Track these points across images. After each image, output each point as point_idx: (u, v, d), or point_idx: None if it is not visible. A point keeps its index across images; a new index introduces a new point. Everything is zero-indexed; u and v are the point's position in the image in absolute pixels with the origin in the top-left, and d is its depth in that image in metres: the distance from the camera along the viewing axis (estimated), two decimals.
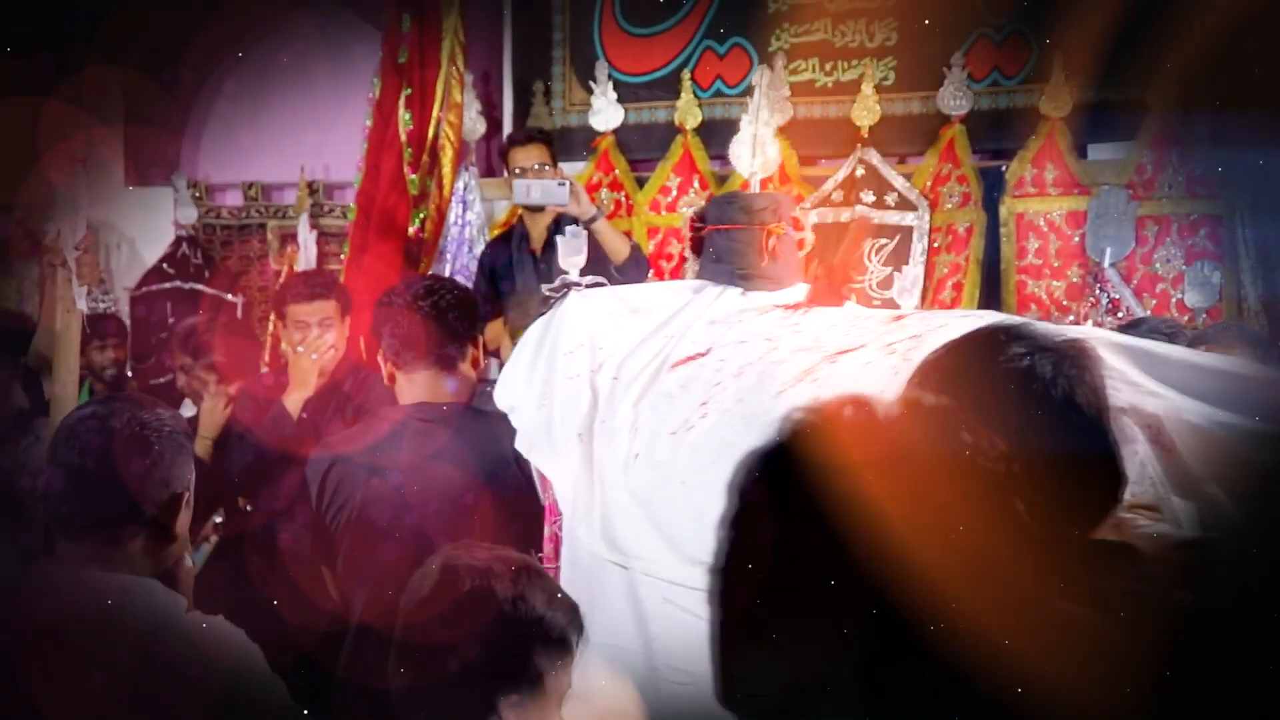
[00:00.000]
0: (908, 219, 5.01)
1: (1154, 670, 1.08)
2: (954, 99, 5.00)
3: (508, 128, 5.68)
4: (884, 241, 5.02)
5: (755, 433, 1.82)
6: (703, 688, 1.34)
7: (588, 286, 2.95)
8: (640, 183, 5.48)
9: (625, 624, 2.37)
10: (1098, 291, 4.67)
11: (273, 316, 4.10)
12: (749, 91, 5.29)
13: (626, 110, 5.49)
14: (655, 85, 5.53)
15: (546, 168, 4.82)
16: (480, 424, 2.89)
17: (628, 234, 5.03)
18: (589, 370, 2.71)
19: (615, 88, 5.48)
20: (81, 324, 2.80)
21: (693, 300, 2.81)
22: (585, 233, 3.19)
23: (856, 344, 2.39)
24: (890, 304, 4.91)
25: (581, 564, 2.54)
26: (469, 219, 5.48)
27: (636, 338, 2.73)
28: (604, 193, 5.46)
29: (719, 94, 5.44)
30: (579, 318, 2.80)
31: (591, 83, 5.50)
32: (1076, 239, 4.85)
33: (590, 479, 2.59)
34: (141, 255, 6.18)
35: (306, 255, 5.62)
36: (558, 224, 4.66)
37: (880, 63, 5.17)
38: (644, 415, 2.55)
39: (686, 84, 5.40)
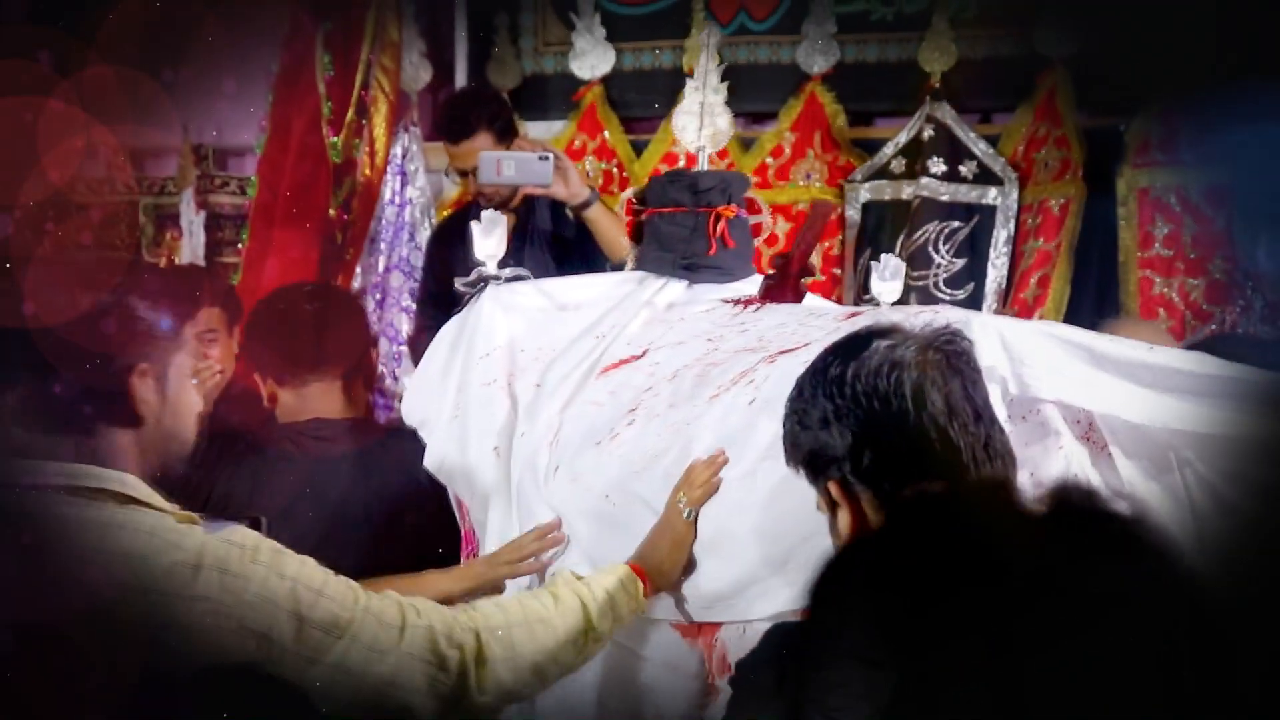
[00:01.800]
0: (989, 196, 5.05)
1: None
2: (1055, 36, 5.02)
3: (461, 75, 5.67)
4: (956, 225, 5.07)
5: (681, 442, 2.45)
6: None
7: (507, 280, 3.17)
8: (638, 149, 5.50)
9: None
10: (1249, 293, 4.68)
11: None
12: (782, 27, 5.31)
13: (620, 52, 5.53)
14: (658, 19, 5.56)
15: (507, 146, 4.65)
16: (386, 441, 3.21)
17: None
18: (506, 375, 2.97)
19: (605, 22, 5.51)
20: None
21: (630, 295, 3.08)
22: (503, 217, 3.25)
23: (799, 343, 2.64)
24: (965, 306, 4.92)
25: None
26: (409, 196, 5.50)
27: (563, 339, 2.99)
28: (589, 161, 5.49)
29: (743, 30, 5.47)
30: (497, 317, 3.04)
31: (573, 15, 5.53)
32: (1221, 223, 4.86)
33: (508, 498, 2.85)
34: None
35: (192, 244, 5.62)
36: (531, 211, 4.63)
37: None
38: (568, 424, 2.80)
39: (699, 17, 5.43)
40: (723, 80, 3.84)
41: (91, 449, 2.00)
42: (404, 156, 5.48)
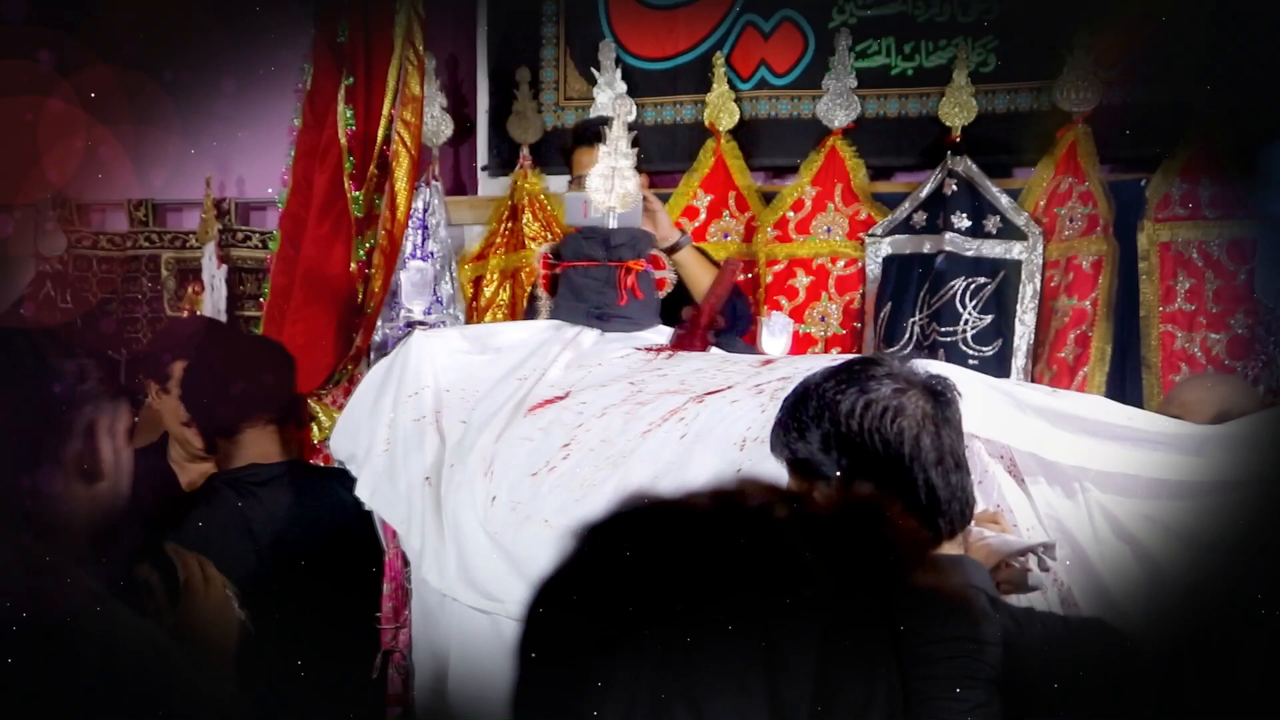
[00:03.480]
0: (1014, 250, 5.12)
1: None
2: (1076, 91, 5.11)
3: (483, 130, 5.80)
4: (982, 281, 5.14)
5: (619, 472, 2.82)
6: None
7: (433, 325, 3.52)
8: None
9: (496, 670, 2.74)
10: (1271, 347, 4.74)
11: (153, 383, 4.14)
12: (803, 82, 5.41)
13: (640, 106, 5.63)
14: (679, 73, 5.67)
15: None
16: (319, 480, 3.51)
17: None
18: (434, 413, 3.27)
19: (626, 76, 5.62)
20: None
21: (549, 340, 3.40)
22: (430, 269, 3.47)
23: (723, 385, 2.99)
24: (993, 363, 5.00)
25: (432, 610, 3.11)
26: (431, 250, 5.56)
27: (487, 380, 3.30)
28: None
29: (763, 84, 5.58)
30: (423, 359, 3.33)
31: (594, 70, 5.64)
32: (1243, 277, 4.94)
33: (440, 524, 3.12)
34: None
35: (214, 298, 5.72)
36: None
37: (977, 43, 5.32)
38: (501, 458, 3.09)
39: (720, 72, 5.54)
40: (632, 145, 4.02)
41: None
42: (425, 211, 5.56)
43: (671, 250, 4.42)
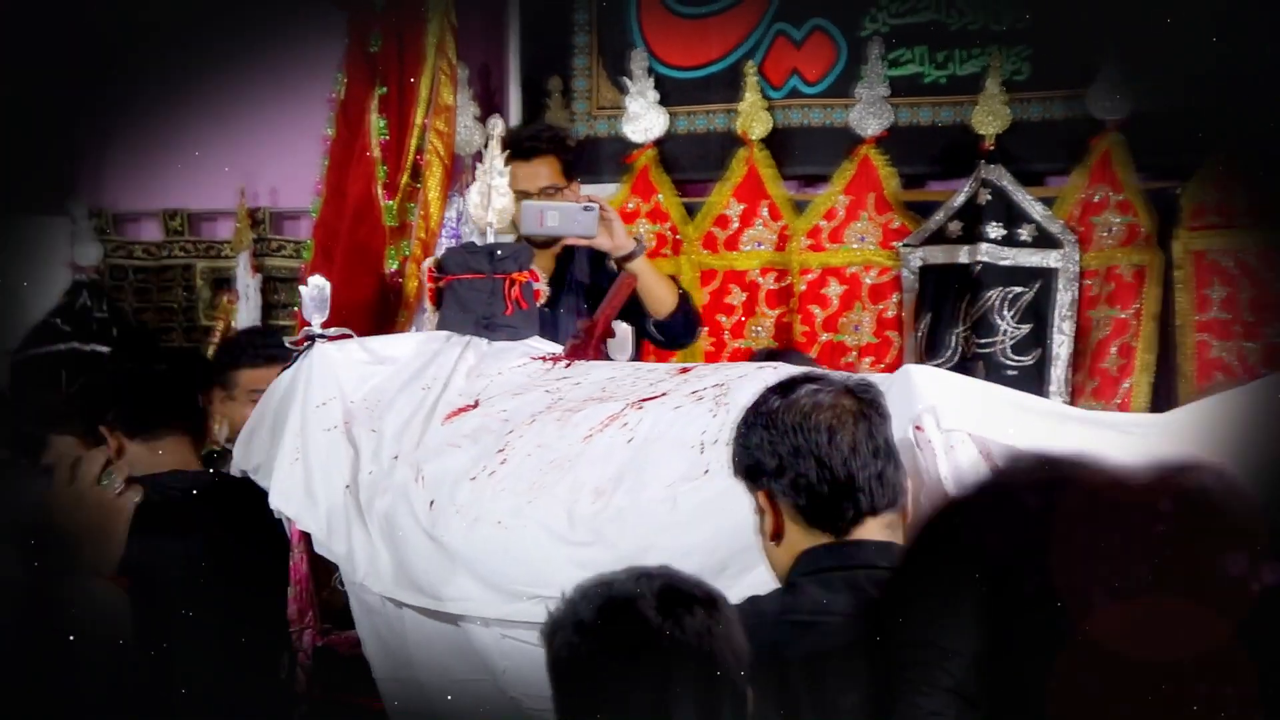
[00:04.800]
0: (1050, 259, 5.18)
1: None
2: (1109, 99, 5.16)
3: None
4: (1019, 290, 5.19)
5: (568, 475, 3.07)
6: None
7: (332, 339, 3.61)
8: (690, 211, 5.67)
9: (457, 663, 3.13)
10: None
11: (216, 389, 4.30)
12: (835, 90, 5.47)
13: (673, 115, 5.69)
14: (711, 82, 5.73)
15: (559, 191, 4.91)
16: (235, 487, 3.62)
17: (674, 279, 5.17)
18: (344, 422, 3.44)
19: (658, 85, 5.67)
20: None
21: (442, 350, 3.58)
22: (328, 285, 3.65)
23: (656, 393, 3.23)
24: (1032, 373, 5.05)
25: (376, 609, 3.28)
26: None
27: (389, 389, 3.49)
28: (642, 224, 5.65)
29: (795, 93, 5.64)
30: (327, 370, 3.50)
31: (626, 79, 5.69)
32: (1278, 286, 4.98)
33: (367, 530, 3.30)
34: (25, 306, 6.33)
35: (248, 306, 5.78)
36: (571, 260, 4.81)
37: (1010, 51, 5.36)
38: (429, 464, 3.28)
39: (752, 80, 5.59)
40: (507, 165, 4.17)
41: None
42: (458, 220, 5.60)
43: (627, 259, 4.49)
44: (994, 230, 5.19)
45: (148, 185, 6.38)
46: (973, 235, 5.23)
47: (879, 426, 2.45)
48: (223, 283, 6.11)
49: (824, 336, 5.42)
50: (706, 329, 5.47)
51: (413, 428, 3.39)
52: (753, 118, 5.54)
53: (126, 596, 2.47)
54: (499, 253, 3.73)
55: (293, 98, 5.92)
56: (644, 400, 3.21)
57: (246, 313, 5.77)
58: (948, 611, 1.98)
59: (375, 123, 5.18)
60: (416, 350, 3.60)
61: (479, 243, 3.85)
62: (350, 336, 3.65)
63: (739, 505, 2.62)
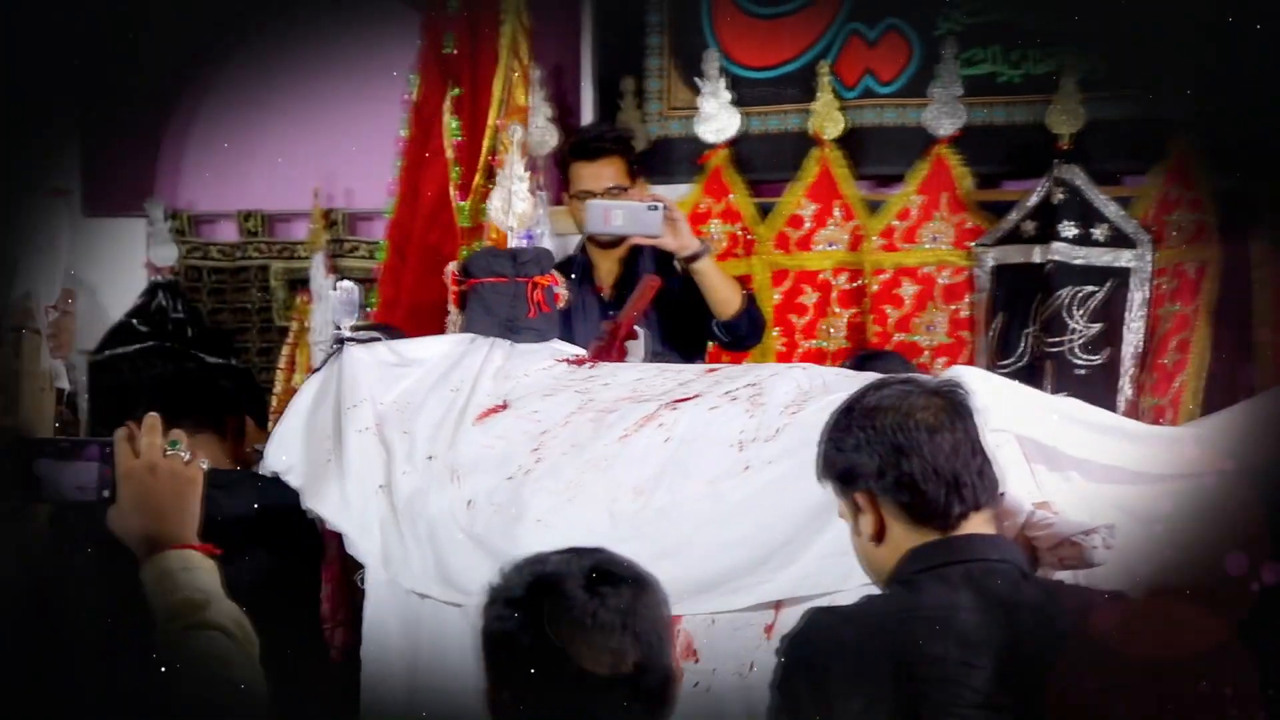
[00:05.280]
0: (1123, 259, 5.17)
1: None
2: (1187, 98, 5.11)
3: None
4: (1091, 289, 5.18)
5: (606, 475, 3.21)
6: None
7: (363, 341, 3.72)
8: (763, 211, 5.68)
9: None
10: None
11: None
12: (909, 90, 5.48)
13: (746, 116, 5.71)
14: (784, 82, 5.75)
15: (624, 191, 4.96)
16: (268, 486, 3.67)
17: (744, 280, 5.20)
18: (375, 424, 3.54)
19: (731, 86, 5.68)
20: (58, 410, 3.05)
21: (468, 352, 3.69)
22: (357, 289, 3.72)
23: (690, 394, 3.36)
24: (1102, 373, 5.04)
25: (397, 609, 3.38)
26: None
27: (419, 391, 3.60)
28: (714, 224, 5.68)
29: (869, 93, 5.65)
30: (358, 372, 3.61)
31: (699, 80, 5.71)
32: None
33: (399, 529, 3.41)
34: (104, 307, 6.41)
35: (323, 307, 5.82)
36: (637, 260, 4.84)
37: (1086, 51, 5.33)
38: (463, 464, 3.40)
39: (826, 80, 5.60)
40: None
41: None
42: (532, 221, 5.67)
43: (693, 259, 4.51)
44: (1068, 229, 5.17)
45: (224, 187, 6.46)
46: (1046, 234, 5.21)
47: (972, 424, 2.52)
48: (298, 283, 6.18)
49: (897, 337, 5.42)
50: (779, 329, 5.50)
51: (445, 429, 3.49)
52: (826, 118, 5.55)
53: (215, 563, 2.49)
54: (522, 257, 3.85)
55: (368, 99, 5.97)
56: (678, 401, 3.34)
57: (321, 313, 5.81)
58: None
59: (449, 124, 5.22)
60: (444, 353, 3.70)
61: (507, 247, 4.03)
62: (379, 339, 3.75)
63: (780, 501, 2.80)
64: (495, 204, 4.05)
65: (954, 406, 2.52)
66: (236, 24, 6.32)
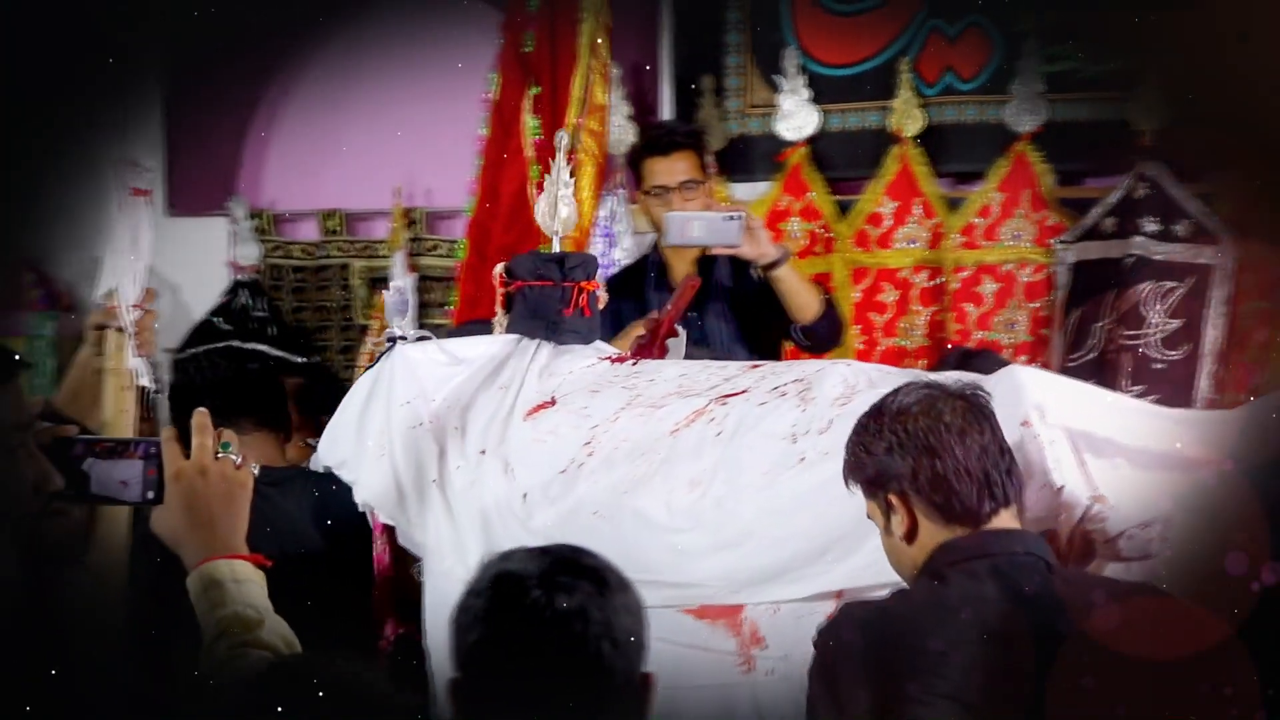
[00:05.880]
0: (1205, 255, 5.15)
1: None
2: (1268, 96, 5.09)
3: None
4: (1172, 285, 5.17)
5: (660, 468, 3.30)
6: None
7: (414, 340, 3.80)
8: (843, 209, 5.72)
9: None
10: None
11: None
12: (990, 87, 5.48)
13: (825, 113, 5.74)
14: (864, 80, 5.77)
15: (698, 185, 4.97)
16: (321, 482, 3.75)
17: (824, 279, 5.21)
18: (429, 420, 3.60)
19: (811, 84, 5.73)
20: (140, 408, 3.10)
21: (514, 353, 3.76)
22: (409, 289, 3.80)
23: (737, 389, 3.45)
24: (1182, 368, 5.03)
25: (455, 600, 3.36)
26: (616, 258, 5.71)
27: (468, 389, 3.67)
28: (794, 222, 5.72)
29: (950, 90, 5.67)
30: (410, 370, 3.68)
31: (779, 77, 5.75)
32: None
33: (453, 521, 3.51)
34: (187, 306, 6.50)
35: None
36: (713, 260, 4.85)
37: (1167, 48, 5.30)
38: (515, 460, 3.49)
39: (906, 77, 5.63)
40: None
41: None
42: (611, 219, 5.72)
43: (772, 266, 4.52)
44: (1149, 225, 5.17)
45: (306, 186, 6.53)
46: (1127, 230, 5.21)
47: (996, 425, 2.66)
48: (379, 282, 6.23)
49: (977, 334, 5.44)
50: (859, 327, 5.52)
51: (495, 425, 3.58)
52: (906, 115, 5.57)
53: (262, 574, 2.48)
54: (569, 262, 3.90)
55: (447, 98, 6.02)
56: (727, 396, 3.43)
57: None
58: None
59: (529, 122, 5.25)
60: (492, 353, 3.76)
61: (551, 250, 4.01)
62: (430, 338, 3.84)
63: (838, 494, 2.82)
64: (541, 209, 4.12)
65: (979, 409, 2.65)
66: (317, 23, 6.38)
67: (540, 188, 5.15)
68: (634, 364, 3.75)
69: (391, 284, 3.95)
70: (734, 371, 3.61)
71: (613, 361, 3.77)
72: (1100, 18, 5.37)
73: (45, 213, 6.82)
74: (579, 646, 2.09)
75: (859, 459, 2.69)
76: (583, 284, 3.86)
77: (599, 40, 5.27)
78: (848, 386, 3.33)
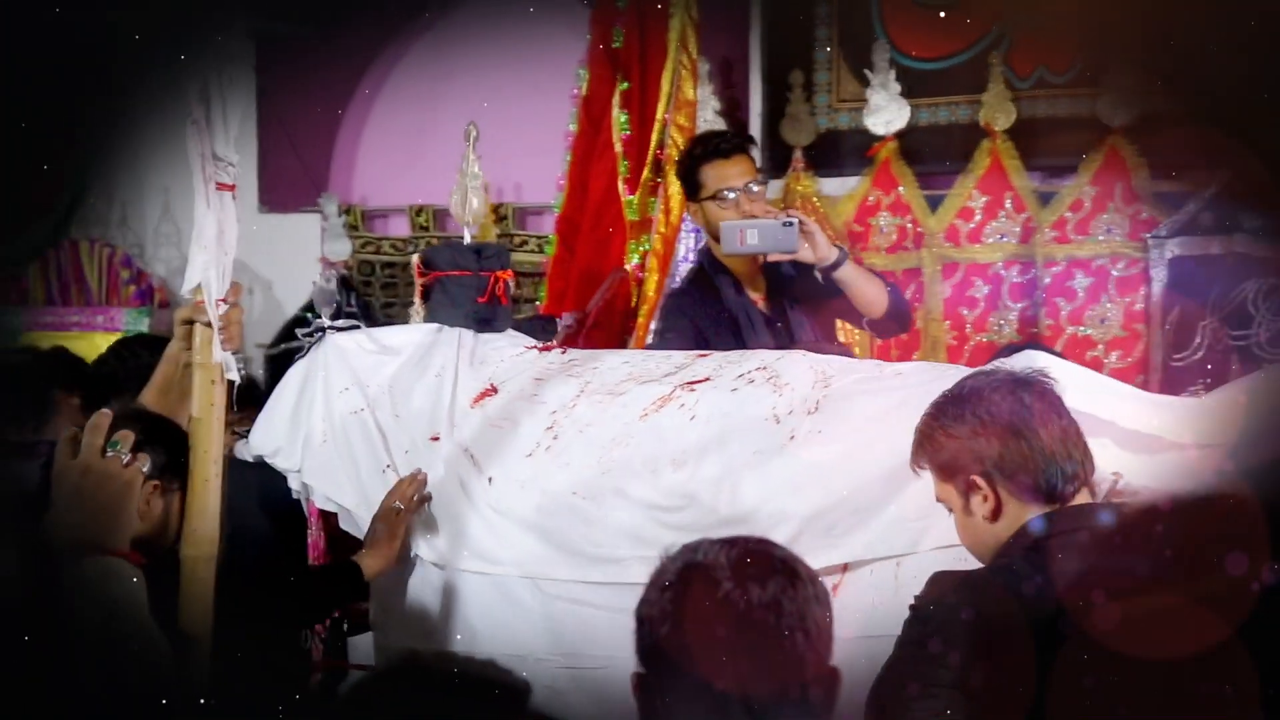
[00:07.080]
0: None
1: None
2: None
3: (756, 133, 5.88)
4: (1275, 282, 5.15)
5: (635, 450, 3.38)
6: (619, 668, 2.17)
7: (342, 330, 3.85)
8: (933, 203, 5.72)
9: (520, 626, 3.42)
10: None
11: None
12: (1082, 80, 5.47)
13: (915, 108, 5.75)
14: (953, 74, 5.78)
15: (761, 186, 4.86)
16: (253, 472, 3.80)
17: (913, 275, 5.22)
18: (369, 406, 3.66)
19: (900, 78, 5.74)
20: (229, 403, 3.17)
21: (439, 341, 3.82)
22: (335, 281, 3.83)
23: (699, 376, 3.55)
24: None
25: (417, 582, 3.55)
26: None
27: (403, 377, 3.72)
28: (883, 217, 5.73)
29: (1043, 83, 5.66)
30: (343, 358, 3.73)
31: (868, 72, 5.77)
32: None
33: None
34: (280, 301, 6.60)
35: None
36: (778, 262, 4.80)
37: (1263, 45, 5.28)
38: (475, 444, 3.56)
39: (997, 71, 5.63)
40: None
41: None
42: None
43: (832, 268, 4.48)
44: (1249, 221, 5.14)
45: (396, 182, 6.62)
46: (1226, 226, 5.18)
47: (1066, 409, 2.73)
48: None
49: (1069, 330, 5.43)
50: (949, 323, 5.52)
51: (440, 411, 3.64)
52: (998, 109, 5.57)
53: (141, 572, 2.42)
54: (485, 252, 3.98)
55: (537, 94, 6.09)
56: (691, 383, 3.52)
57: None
58: None
59: (618, 118, 5.28)
60: (417, 340, 3.82)
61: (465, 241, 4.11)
62: (359, 327, 3.92)
63: (841, 470, 3.04)
64: (455, 199, 4.17)
65: (1052, 393, 2.74)
66: (408, 21, 6.46)
67: (629, 183, 5.23)
68: (563, 353, 3.85)
69: (318, 277, 4.02)
70: (682, 360, 3.70)
71: (540, 350, 3.86)
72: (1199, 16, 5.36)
73: (143, 208, 6.96)
74: (773, 639, 2.06)
75: (938, 442, 2.75)
76: (498, 273, 3.95)
77: (688, 35, 5.29)
78: (818, 372, 3.45)
